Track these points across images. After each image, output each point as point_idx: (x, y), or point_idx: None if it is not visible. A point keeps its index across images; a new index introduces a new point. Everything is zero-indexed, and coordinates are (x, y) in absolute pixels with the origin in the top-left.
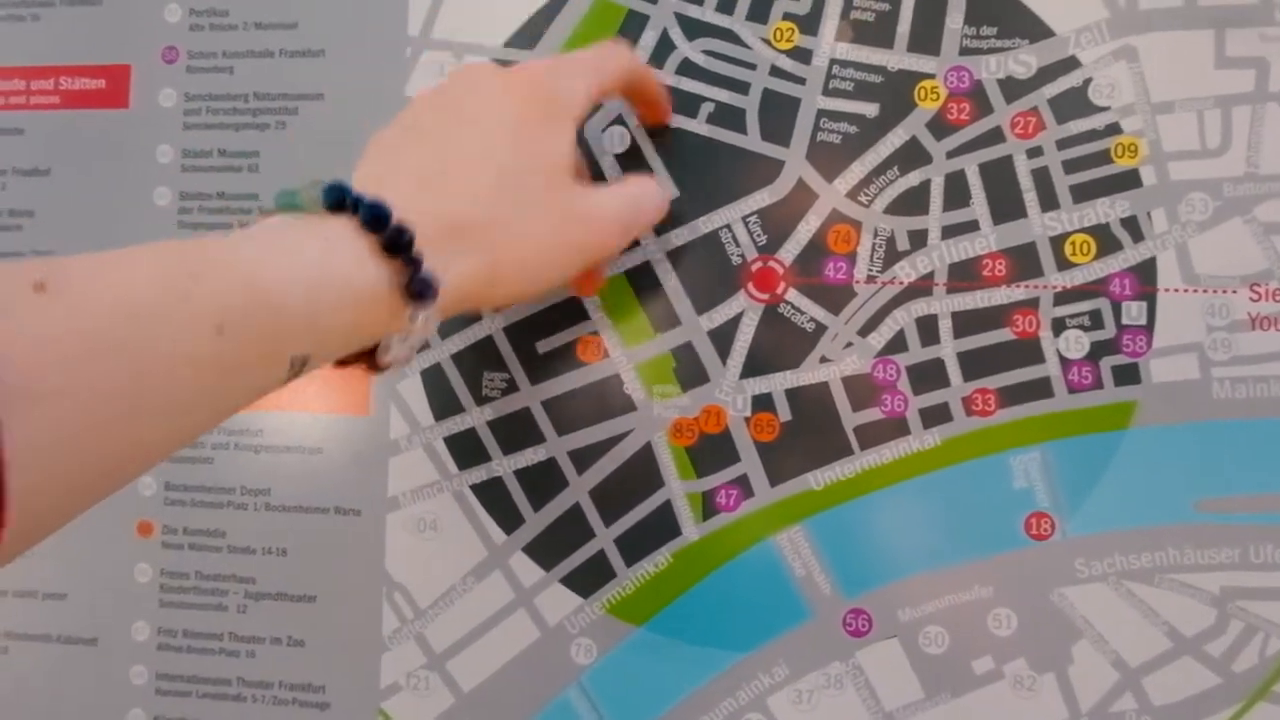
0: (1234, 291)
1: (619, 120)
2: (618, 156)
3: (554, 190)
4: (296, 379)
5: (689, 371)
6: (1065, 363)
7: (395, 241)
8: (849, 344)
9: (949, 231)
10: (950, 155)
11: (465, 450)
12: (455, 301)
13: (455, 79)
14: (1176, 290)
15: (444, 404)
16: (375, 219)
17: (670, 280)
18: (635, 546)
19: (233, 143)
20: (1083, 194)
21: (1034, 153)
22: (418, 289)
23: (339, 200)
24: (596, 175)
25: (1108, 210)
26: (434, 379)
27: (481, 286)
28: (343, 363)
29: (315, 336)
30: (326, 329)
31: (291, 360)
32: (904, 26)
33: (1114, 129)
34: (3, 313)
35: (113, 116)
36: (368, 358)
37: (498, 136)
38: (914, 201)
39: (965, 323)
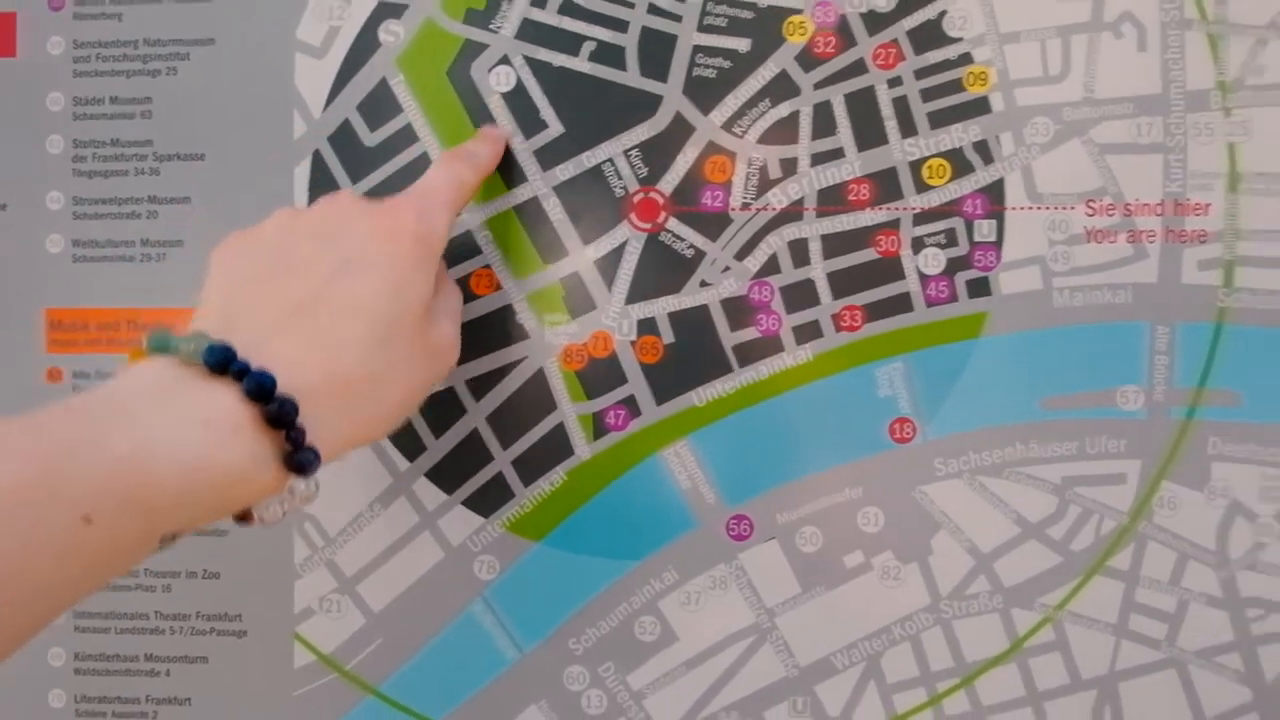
0: (1072, 208)
1: (504, 60)
2: (504, 95)
3: (419, 334)
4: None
5: (577, 300)
6: (924, 279)
7: (279, 417)
8: (726, 268)
9: (817, 159)
10: (818, 86)
11: None
12: (329, 459)
13: (323, 212)
14: (1022, 208)
15: None
16: (260, 391)
17: (557, 213)
18: (532, 467)
19: (125, 89)
20: (938, 120)
21: (894, 83)
22: (300, 462)
23: (221, 363)
24: (483, 116)
25: (961, 135)
26: None
27: (355, 439)
28: None
29: (188, 515)
30: (200, 509)
31: (162, 538)
32: None
33: (966, 59)
34: None
35: (0, 65)
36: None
37: (375, 284)
38: (785, 131)
39: (833, 244)
